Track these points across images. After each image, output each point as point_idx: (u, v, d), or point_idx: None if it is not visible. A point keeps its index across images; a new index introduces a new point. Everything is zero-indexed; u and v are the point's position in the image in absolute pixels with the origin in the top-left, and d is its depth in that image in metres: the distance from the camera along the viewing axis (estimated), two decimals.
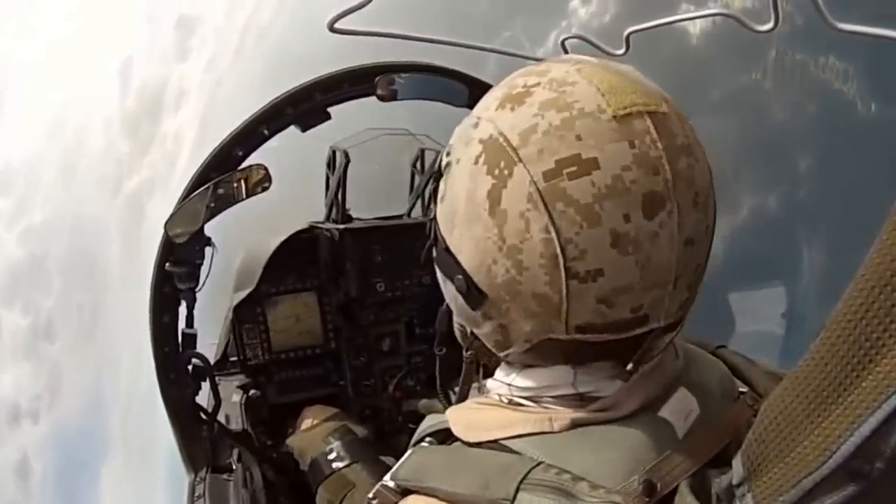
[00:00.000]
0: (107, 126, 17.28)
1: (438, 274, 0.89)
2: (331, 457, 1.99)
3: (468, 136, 0.77)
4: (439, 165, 0.83)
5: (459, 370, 0.97)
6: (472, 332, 0.88)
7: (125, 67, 17.40)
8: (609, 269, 0.69)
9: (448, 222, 0.79)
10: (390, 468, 0.86)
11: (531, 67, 0.79)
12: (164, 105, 16.77)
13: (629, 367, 0.76)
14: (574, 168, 0.68)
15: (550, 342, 0.76)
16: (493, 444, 0.81)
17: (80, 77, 17.52)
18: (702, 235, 0.73)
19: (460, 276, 0.78)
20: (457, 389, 1.00)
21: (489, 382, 0.91)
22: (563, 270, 0.69)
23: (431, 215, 0.86)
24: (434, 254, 0.86)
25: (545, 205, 0.68)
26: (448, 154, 0.81)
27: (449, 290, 0.85)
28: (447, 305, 0.98)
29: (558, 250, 0.69)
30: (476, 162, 0.74)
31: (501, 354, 0.84)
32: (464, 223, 0.76)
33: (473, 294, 0.77)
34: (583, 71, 0.74)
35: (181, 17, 16.93)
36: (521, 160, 0.70)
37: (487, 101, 0.78)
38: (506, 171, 0.71)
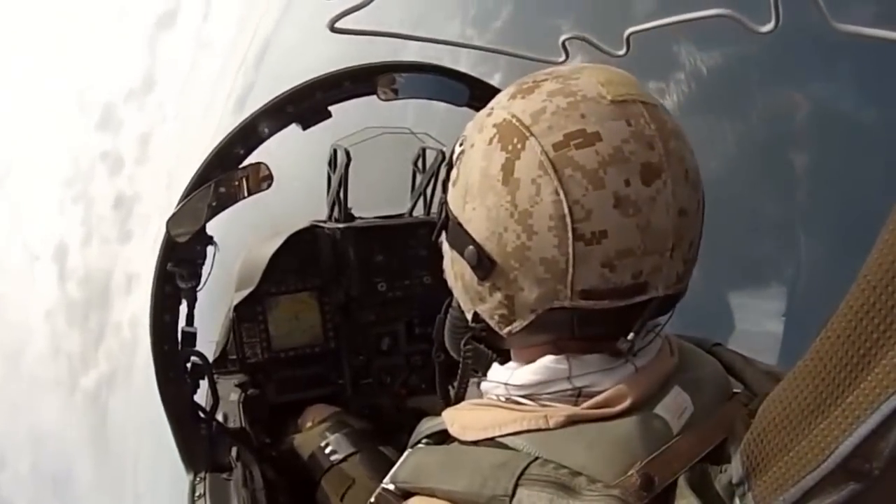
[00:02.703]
0: (50, 320, 15.13)
1: (445, 257, 0.91)
2: (328, 450, 2.01)
3: (482, 123, 0.83)
4: (451, 155, 0.88)
5: (457, 371, 0.98)
6: (472, 320, 0.89)
7: (60, 254, 15.38)
8: (612, 231, 0.74)
9: (460, 199, 0.83)
10: (389, 459, 0.86)
11: (536, 72, 0.86)
12: (112, 291, 14.88)
13: (630, 336, 0.79)
14: (580, 140, 0.75)
15: (553, 313, 0.79)
16: (490, 442, 0.82)
17: (11, 269, 15.26)
18: (694, 209, 0.79)
19: (471, 247, 0.81)
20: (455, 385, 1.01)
21: (484, 384, 0.92)
22: (570, 232, 0.74)
23: (442, 201, 0.89)
24: (444, 234, 0.88)
25: (555, 170, 0.74)
26: (461, 144, 0.86)
27: (456, 270, 0.87)
28: (443, 314, 1.00)
29: (566, 211, 0.73)
30: (490, 143, 0.80)
31: (504, 331, 0.85)
32: (477, 196, 0.80)
33: (484, 263, 0.81)
34: (584, 70, 0.82)
35: (118, 198, 15.16)
36: (532, 134, 0.76)
37: (499, 96, 0.85)
38: (519, 146, 0.77)
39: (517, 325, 0.83)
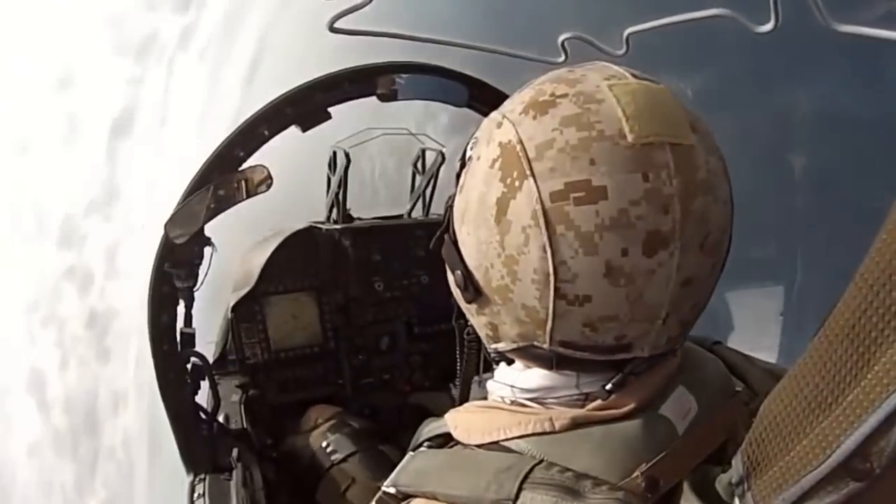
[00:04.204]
0: (35, 455, 13.83)
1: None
2: (328, 450, 2.01)
3: (490, 134, 0.78)
4: (463, 154, 0.85)
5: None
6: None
7: (36, 383, 14.08)
8: (597, 298, 0.70)
9: (460, 215, 0.81)
10: (389, 458, 0.86)
11: (563, 73, 0.78)
12: (99, 414, 13.57)
13: (608, 387, 0.78)
14: (582, 194, 0.68)
15: (534, 348, 0.78)
16: (494, 446, 0.81)
17: None
18: (703, 276, 0.73)
19: (460, 272, 0.81)
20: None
21: (490, 384, 0.92)
22: (552, 290, 0.71)
23: (448, 204, 0.87)
24: (444, 240, 0.88)
25: (547, 225, 0.69)
26: (472, 147, 0.82)
27: (451, 278, 0.88)
28: None
29: (551, 270, 0.70)
30: (492, 166, 0.75)
31: (490, 347, 0.87)
32: (472, 222, 0.78)
33: (470, 290, 0.80)
34: (614, 88, 0.72)
35: (91, 315, 13.83)
36: (532, 174, 0.70)
37: (514, 102, 0.78)
38: (517, 183, 0.71)
39: (502, 347, 0.84)
